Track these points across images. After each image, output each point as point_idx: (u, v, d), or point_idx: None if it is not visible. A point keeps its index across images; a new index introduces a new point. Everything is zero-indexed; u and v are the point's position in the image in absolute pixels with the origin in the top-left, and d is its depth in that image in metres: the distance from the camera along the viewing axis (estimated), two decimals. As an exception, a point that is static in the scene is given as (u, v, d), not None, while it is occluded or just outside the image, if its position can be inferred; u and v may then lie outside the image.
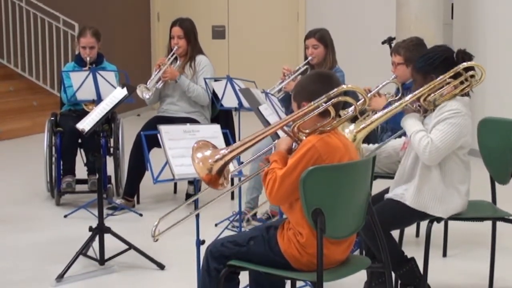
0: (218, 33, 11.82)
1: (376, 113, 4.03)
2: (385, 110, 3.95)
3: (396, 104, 3.94)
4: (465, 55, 3.92)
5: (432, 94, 3.86)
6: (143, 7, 11.87)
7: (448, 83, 3.87)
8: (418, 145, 3.78)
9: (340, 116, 3.25)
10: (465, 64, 3.87)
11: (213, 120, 6.23)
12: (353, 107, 3.31)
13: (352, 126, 3.78)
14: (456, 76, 3.88)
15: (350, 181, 3.15)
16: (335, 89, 3.15)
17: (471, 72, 3.90)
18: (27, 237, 5.29)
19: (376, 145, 4.34)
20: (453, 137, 3.77)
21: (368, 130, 3.85)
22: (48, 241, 5.19)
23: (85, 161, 6.16)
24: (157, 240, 3.54)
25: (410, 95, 3.94)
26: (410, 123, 3.88)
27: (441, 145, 3.75)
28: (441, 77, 3.86)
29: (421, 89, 3.87)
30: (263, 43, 11.56)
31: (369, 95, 4.59)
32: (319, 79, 3.29)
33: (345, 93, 3.20)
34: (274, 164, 3.17)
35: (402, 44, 4.90)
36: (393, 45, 7.39)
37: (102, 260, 4.58)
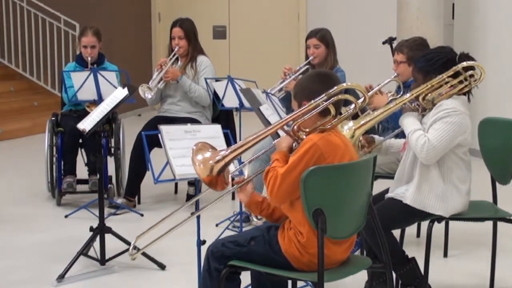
0: (219, 33, 11.83)
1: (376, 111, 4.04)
2: (384, 108, 3.96)
3: (395, 102, 3.95)
4: (467, 59, 3.91)
5: (431, 93, 3.86)
6: (144, 7, 11.88)
7: (447, 82, 3.87)
8: (415, 144, 3.79)
9: (341, 114, 3.25)
10: (464, 64, 3.87)
11: (214, 120, 6.24)
12: (353, 105, 3.31)
13: (351, 123, 3.79)
14: (455, 75, 3.88)
15: (351, 181, 3.15)
16: (335, 87, 3.15)
17: (470, 72, 3.90)
18: (28, 237, 5.29)
19: (382, 138, 4.33)
20: (449, 135, 3.77)
21: (367, 127, 3.87)
22: (49, 241, 5.19)
23: (86, 161, 6.17)
24: (134, 258, 3.57)
25: (409, 93, 3.95)
26: (408, 122, 3.88)
27: (437, 144, 3.76)
28: (440, 76, 3.86)
29: (420, 87, 3.88)
30: (264, 43, 11.56)
31: (370, 93, 4.60)
32: (319, 78, 3.30)
33: (346, 91, 3.20)
34: (276, 162, 3.18)
35: (406, 43, 4.90)
36: (394, 45, 7.43)
37: (103, 260, 4.59)
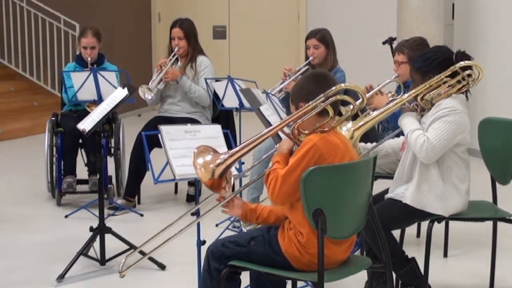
0: (219, 33, 11.83)
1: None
2: (383, 109, 3.96)
3: (394, 102, 3.96)
4: (464, 56, 3.92)
5: (429, 93, 3.87)
6: (144, 7, 11.88)
7: (445, 82, 3.88)
8: (415, 144, 3.79)
9: (340, 115, 3.25)
10: (462, 63, 3.88)
11: (214, 120, 6.23)
12: (352, 105, 3.31)
13: (349, 124, 3.79)
14: (453, 75, 3.89)
15: (351, 182, 3.15)
16: (333, 88, 3.16)
17: (468, 71, 3.91)
18: (28, 237, 5.29)
19: (374, 144, 4.34)
20: (449, 134, 3.78)
21: (366, 128, 3.87)
22: (49, 241, 5.19)
23: (86, 161, 6.17)
24: (123, 276, 3.59)
25: (407, 94, 3.95)
26: (407, 122, 3.89)
27: (437, 143, 3.76)
28: (438, 76, 3.87)
29: (418, 87, 3.89)
30: (264, 43, 11.56)
31: (370, 93, 4.61)
32: (314, 79, 3.30)
33: (346, 91, 3.19)
34: (276, 164, 3.18)
35: (406, 43, 4.90)
36: (394, 45, 7.43)
37: (103, 260, 4.59)
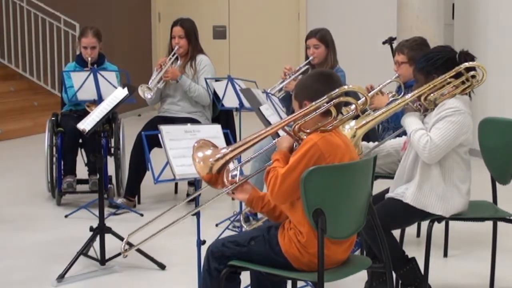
0: (219, 33, 11.83)
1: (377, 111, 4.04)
2: (386, 108, 3.96)
3: (397, 102, 3.96)
4: (467, 56, 3.92)
5: (433, 94, 3.87)
6: (144, 7, 11.88)
7: (449, 82, 3.88)
8: (418, 144, 3.79)
9: (342, 115, 3.25)
10: (466, 64, 3.88)
11: (214, 120, 6.24)
12: (353, 105, 3.31)
13: (353, 122, 3.80)
14: (457, 76, 3.89)
15: (351, 181, 3.15)
16: (337, 89, 3.15)
17: (472, 73, 3.90)
18: (28, 237, 5.29)
19: (376, 143, 4.34)
20: (452, 135, 3.77)
21: (369, 127, 3.87)
22: (49, 241, 5.19)
23: (86, 161, 6.17)
24: (126, 256, 3.58)
25: (410, 94, 3.95)
26: (410, 122, 3.89)
27: (440, 143, 3.76)
28: (442, 76, 3.86)
29: (421, 88, 3.88)
30: (264, 43, 11.57)
31: (371, 93, 4.61)
32: (321, 78, 3.29)
33: (347, 92, 3.20)
34: (276, 162, 3.18)
35: (406, 43, 4.90)
36: (394, 45, 7.43)
37: (103, 260, 4.59)
